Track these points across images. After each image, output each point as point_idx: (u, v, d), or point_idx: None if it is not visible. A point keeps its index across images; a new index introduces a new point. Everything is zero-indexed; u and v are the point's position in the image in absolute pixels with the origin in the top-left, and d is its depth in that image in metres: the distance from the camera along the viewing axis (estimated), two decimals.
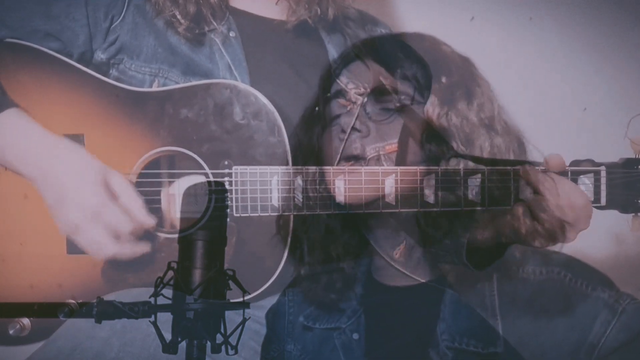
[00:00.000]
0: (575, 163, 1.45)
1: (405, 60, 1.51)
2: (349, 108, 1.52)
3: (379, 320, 1.56)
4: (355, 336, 1.56)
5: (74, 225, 1.59)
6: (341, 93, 1.54)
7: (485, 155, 1.46)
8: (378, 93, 1.50)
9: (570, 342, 1.43)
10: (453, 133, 1.46)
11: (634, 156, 1.45)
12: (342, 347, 1.56)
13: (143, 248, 1.63)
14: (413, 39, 1.57)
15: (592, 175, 1.45)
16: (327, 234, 1.58)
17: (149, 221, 1.61)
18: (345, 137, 1.50)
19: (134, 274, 1.65)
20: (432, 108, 1.47)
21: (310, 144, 1.58)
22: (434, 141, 1.47)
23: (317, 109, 1.60)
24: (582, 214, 1.36)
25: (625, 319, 1.42)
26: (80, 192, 1.59)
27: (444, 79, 1.49)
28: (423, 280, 1.54)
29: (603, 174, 1.45)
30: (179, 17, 1.72)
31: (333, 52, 1.84)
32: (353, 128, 1.50)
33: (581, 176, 1.45)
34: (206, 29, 1.75)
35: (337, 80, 1.67)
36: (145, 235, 1.62)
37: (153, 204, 1.64)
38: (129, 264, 1.63)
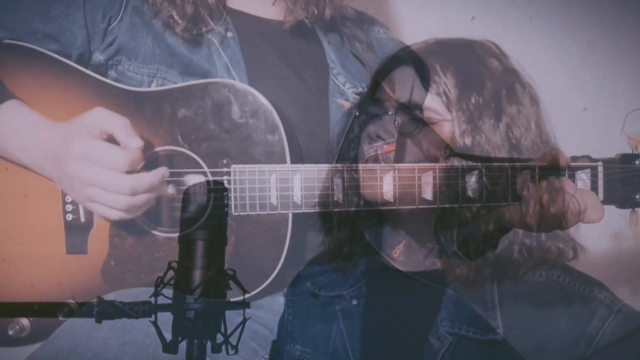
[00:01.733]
0: (572, 159, 1.46)
1: (441, 73, 1.50)
2: (346, 108, 1.53)
3: (380, 294, 1.58)
4: (354, 302, 1.58)
5: (81, 182, 1.56)
6: (340, 94, 1.56)
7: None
8: (406, 107, 1.51)
9: (570, 334, 1.46)
10: (473, 152, 1.47)
11: (630, 152, 1.46)
12: (341, 311, 1.58)
13: (157, 175, 1.58)
14: (459, 45, 1.56)
15: (589, 171, 1.45)
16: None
17: (135, 141, 1.57)
18: (370, 142, 1.51)
19: (134, 274, 1.65)
20: (457, 124, 1.47)
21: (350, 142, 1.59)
22: (432, 142, 1.49)
23: (356, 113, 1.60)
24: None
25: (621, 317, 1.45)
26: (70, 149, 1.56)
27: (473, 99, 1.48)
28: (424, 281, 1.55)
29: (600, 169, 1.46)
30: (176, 17, 1.72)
31: (330, 52, 1.84)
32: (378, 137, 1.51)
33: (578, 172, 1.45)
34: (204, 29, 1.76)
35: (335, 81, 1.69)
36: (149, 160, 1.59)
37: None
38: (129, 262, 1.64)
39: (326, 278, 1.63)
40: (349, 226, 1.60)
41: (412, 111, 1.50)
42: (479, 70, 1.52)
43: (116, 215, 1.58)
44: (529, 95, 1.53)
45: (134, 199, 1.57)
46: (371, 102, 1.55)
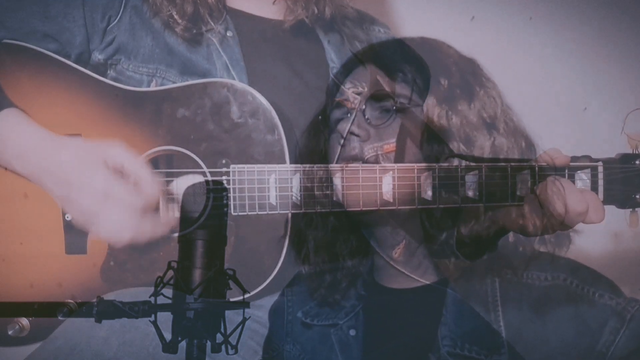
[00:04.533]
0: (572, 159, 1.45)
1: (404, 63, 1.52)
2: (348, 108, 1.53)
3: (378, 319, 1.56)
4: (352, 332, 1.56)
5: (89, 212, 1.58)
6: (340, 93, 1.55)
7: (486, 155, 1.47)
8: (376, 97, 1.51)
9: (579, 349, 1.42)
10: (453, 133, 1.47)
11: (631, 151, 1.45)
12: (338, 343, 1.56)
13: (162, 225, 1.60)
14: (415, 43, 1.58)
15: (589, 171, 1.45)
16: (331, 233, 1.58)
17: (156, 190, 1.58)
18: (343, 142, 1.51)
19: (134, 274, 1.65)
20: (432, 108, 1.48)
21: (316, 151, 1.59)
22: (432, 141, 1.48)
23: (319, 117, 1.60)
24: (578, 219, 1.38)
25: (634, 326, 1.41)
26: (85, 177, 1.58)
27: (443, 80, 1.50)
28: (423, 281, 1.54)
29: (600, 169, 1.45)
30: (176, 17, 1.72)
31: (330, 52, 1.84)
32: (351, 133, 1.51)
33: (578, 172, 1.45)
34: (203, 28, 1.75)
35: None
36: (159, 211, 1.60)
37: None
38: (129, 262, 1.63)
39: (318, 306, 1.62)
40: (326, 251, 1.59)
41: (380, 103, 1.51)
42: (441, 58, 1.54)
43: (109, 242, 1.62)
44: (490, 81, 1.55)
45: (129, 244, 1.60)
46: (337, 101, 1.56)
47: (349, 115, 1.53)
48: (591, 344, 1.41)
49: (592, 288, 1.45)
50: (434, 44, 1.58)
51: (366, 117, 1.51)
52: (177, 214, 1.62)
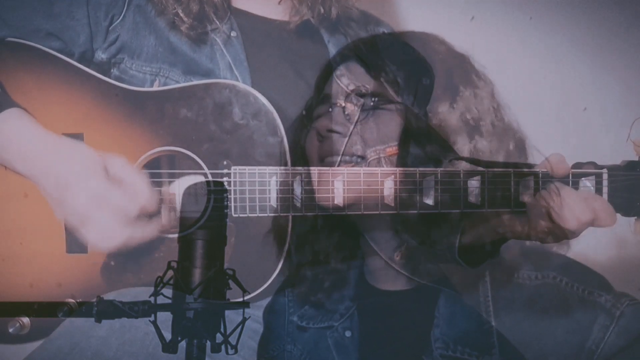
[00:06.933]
0: (577, 166, 1.45)
1: (388, 62, 1.51)
2: (349, 110, 1.53)
3: (372, 320, 1.56)
4: (348, 333, 1.56)
5: (81, 215, 1.57)
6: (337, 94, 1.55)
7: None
8: (358, 94, 1.51)
9: (569, 346, 1.42)
10: (433, 135, 1.46)
11: (636, 159, 1.45)
12: (334, 345, 1.57)
13: (152, 230, 1.60)
14: (404, 38, 1.58)
15: (594, 177, 1.44)
16: (320, 235, 1.58)
17: (152, 202, 1.58)
18: (322, 138, 1.50)
19: (134, 274, 1.65)
20: (411, 108, 1.48)
21: (297, 146, 1.59)
22: (434, 144, 1.48)
23: (303, 112, 1.60)
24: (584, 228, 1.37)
25: (624, 322, 1.41)
26: (83, 181, 1.57)
27: (424, 80, 1.49)
28: (423, 282, 1.54)
29: (605, 176, 1.45)
30: (182, 15, 1.71)
31: (334, 53, 1.83)
32: (330, 130, 1.50)
33: (583, 179, 1.44)
34: (209, 27, 1.75)
35: (338, 82, 1.68)
36: (153, 217, 1.59)
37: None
38: (129, 262, 1.64)
39: (313, 308, 1.62)
40: (309, 248, 1.59)
41: (361, 99, 1.50)
42: (426, 55, 1.52)
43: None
44: (482, 78, 1.53)
45: (123, 247, 1.58)
46: (318, 99, 1.55)
47: (330, 110, 1.53)
48: (581, 341, 1.41)
49: (582, 285, 1.44)
50: (424, 38, 1.57)
51: (346, 113, 1.51)
52: (176, 216, 1.63)
